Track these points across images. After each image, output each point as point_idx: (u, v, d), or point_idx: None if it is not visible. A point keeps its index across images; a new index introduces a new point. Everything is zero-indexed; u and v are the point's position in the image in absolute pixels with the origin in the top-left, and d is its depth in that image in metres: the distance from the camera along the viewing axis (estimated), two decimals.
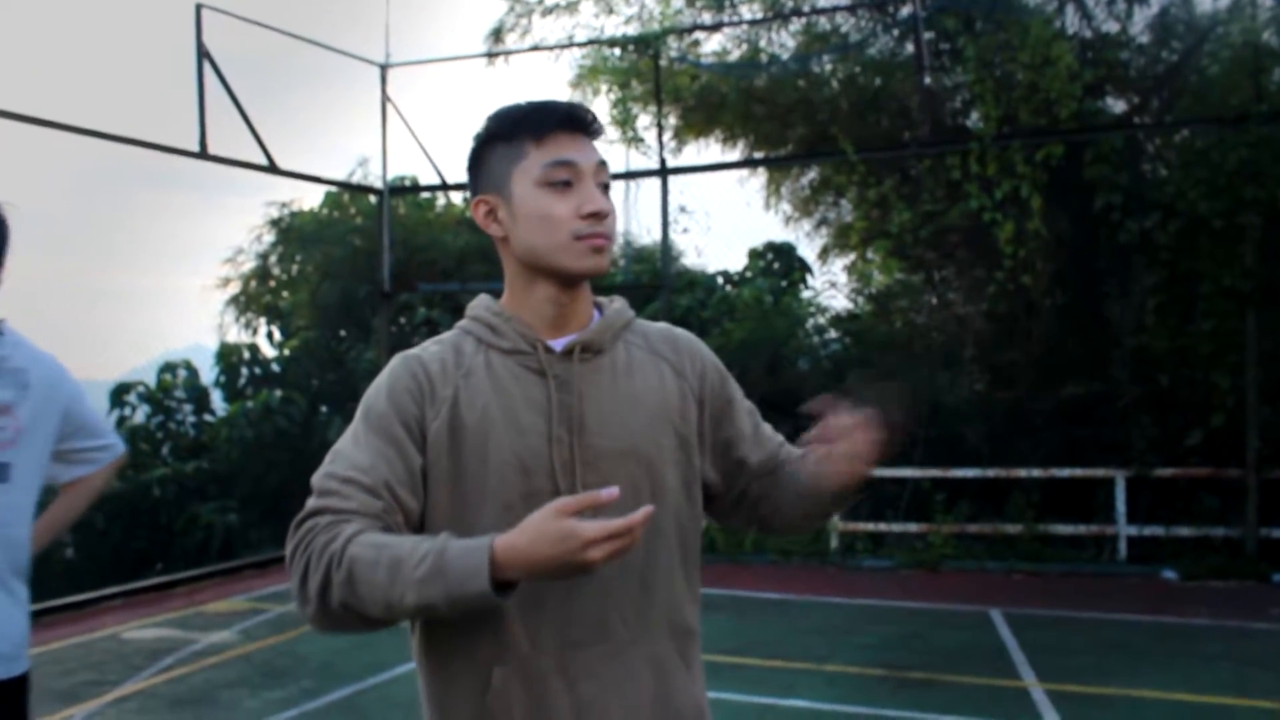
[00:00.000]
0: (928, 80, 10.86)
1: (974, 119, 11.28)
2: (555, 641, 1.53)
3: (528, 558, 1.34)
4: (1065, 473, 10.25)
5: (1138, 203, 10.16)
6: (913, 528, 10.53)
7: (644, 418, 1.61)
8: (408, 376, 1.58)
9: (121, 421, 14.01)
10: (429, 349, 1.63)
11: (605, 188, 1.60)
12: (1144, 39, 11.42)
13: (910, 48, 11.23)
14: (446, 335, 1.67)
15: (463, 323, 1.67)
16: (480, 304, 1.67)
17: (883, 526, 10.73)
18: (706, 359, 1.74)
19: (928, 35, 10.83)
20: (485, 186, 1.62)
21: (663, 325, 1.76)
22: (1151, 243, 10.06)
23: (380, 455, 1.53)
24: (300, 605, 1.49)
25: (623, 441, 1.58)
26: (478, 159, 1.64)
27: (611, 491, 1.37)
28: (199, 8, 9.33)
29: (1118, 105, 11.73)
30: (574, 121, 1.59)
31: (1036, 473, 10.30)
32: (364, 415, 1.59)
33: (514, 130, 1.59)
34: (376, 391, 1.60)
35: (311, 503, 1.51)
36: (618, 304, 1.72)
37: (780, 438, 1.83)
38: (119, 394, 14.18)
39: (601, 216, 1.55)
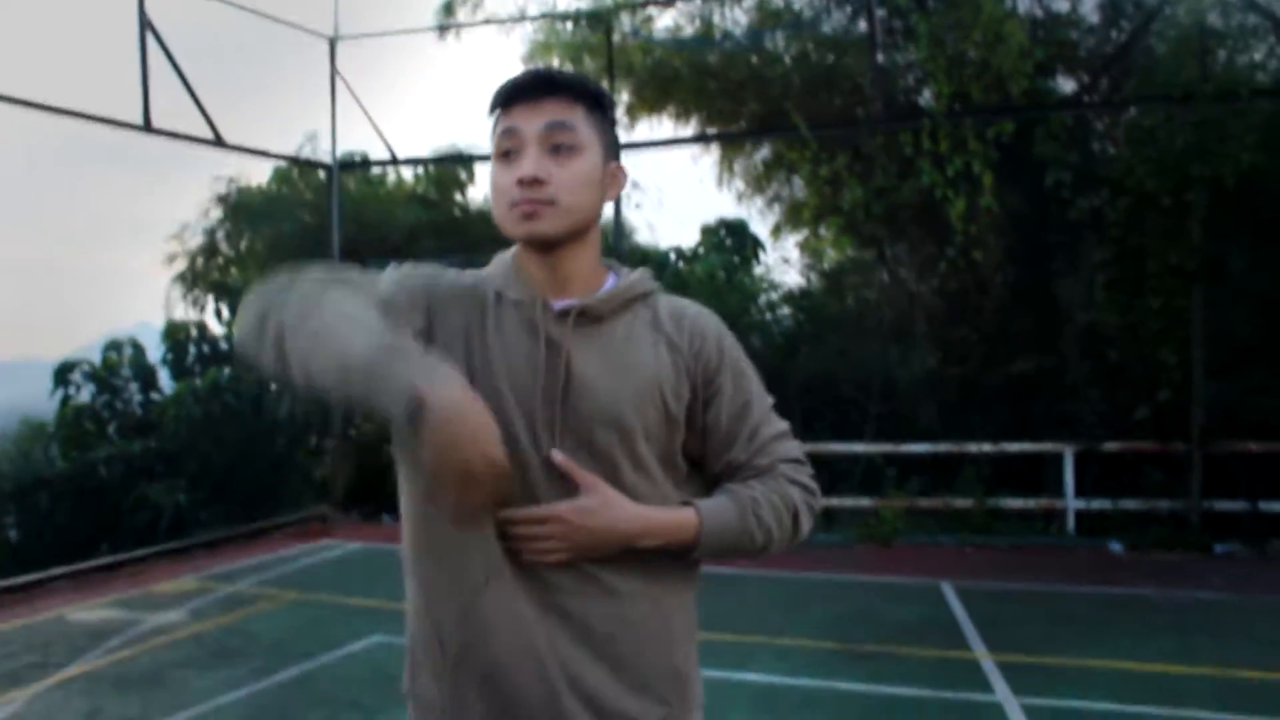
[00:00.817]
0: (880, 58, 10.88)
1: (926, 96, 11.32)
2: (532, 570, 1.56)
3: (451, 429, 1.30)
4: (1015, 447, 10.37)
5: (1087, 180, 10.25)
6: (865, 503, 10.60)
7: (630, 389, 1.59)
8: (444, 283, 1.66)
9: (66, 400, 13.76)
10: (466, 274, 1.69)
11: (562, 149, 1.57)
12: (1094, 19, 11.51)
13: (863, 25, 11.26)
14: (471, 274, 1.70)
15: (485, 271, 1.70)
16: (502, 256, 1.71)
17: (834, 501, 10.78)
18: (709, 340, 1.67)
19: (880, 13, 10.85)
20: None
21: (682, 302, 1.73)
22: (1101, 220, 10.16)
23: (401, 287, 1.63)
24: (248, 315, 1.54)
25: (605, 410, 1.58)
26: None
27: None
28: None
29: (1068, 84, 11.83)
30: (527, 88, 1.59)
31: (987, 447, 10.42)
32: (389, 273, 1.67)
33: (489, 107, 1.64)
34: (415, 268, 1.69)
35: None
36: (635, 275, 1.70)
37: (763, 456, 1.66)
38: (63, 373, 13.90)
39: (530, 182, 1.55)
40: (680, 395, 1.63)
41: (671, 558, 1.60)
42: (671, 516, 1.58)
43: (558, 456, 1.54)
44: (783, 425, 1.73)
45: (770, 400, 1.74)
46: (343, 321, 1.41)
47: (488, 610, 1.55)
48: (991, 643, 6.52)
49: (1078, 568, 8.85)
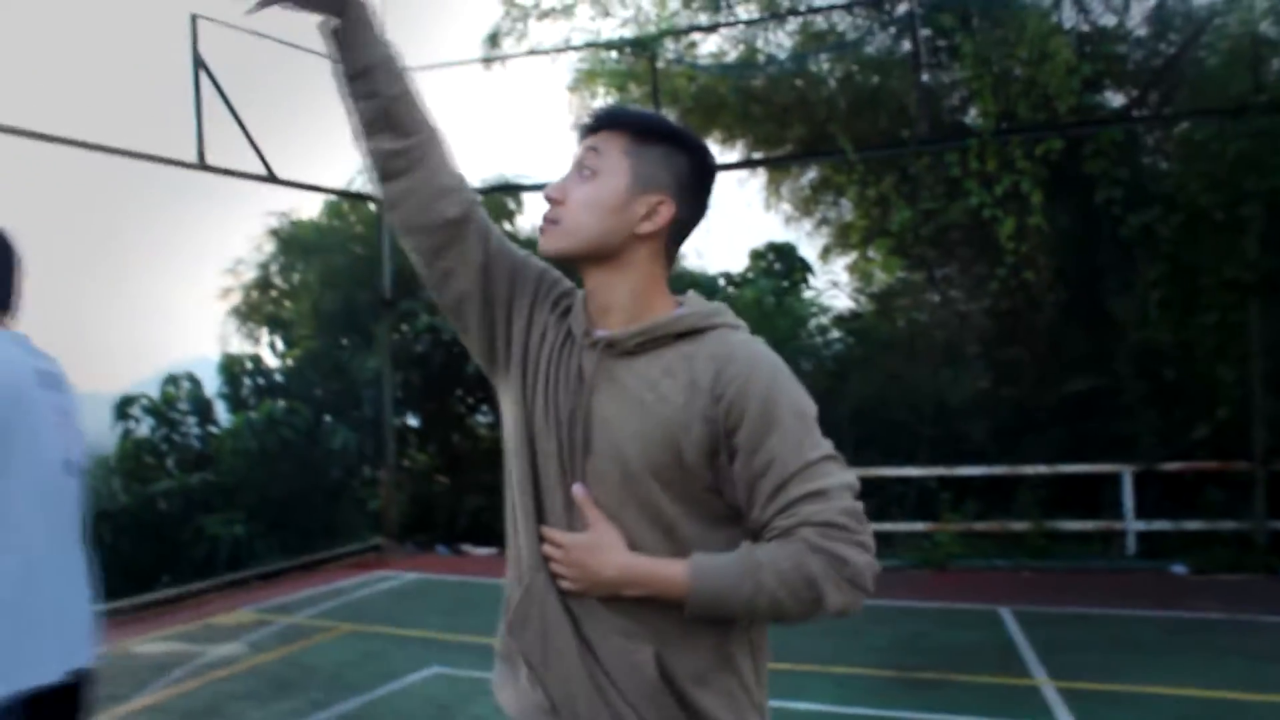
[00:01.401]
0: (925, 77, 10.85)
1: (972, 115, 11.27)
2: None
3: None
4: (1071, 469, 10.22)
5: (1138, 196, 10.13)
6: (919, 526, 10.50)
7: (640, 430, 1.59)
8: (558, 286, 1.79)
9: (126, 434, 14.00)
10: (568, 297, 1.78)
11: (586, 171, 1.65)
12: (1141, 32, 11.41)
13: (907, 45, 11.22)
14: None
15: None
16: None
17: (889, 526, 10.69)
18: (747, 392, 1.56)
19: (924, 32, 10.81)
20: None
21: (737, 347, 1.61)
22: (1153, 236, 10.03)
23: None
24: None
25: (613, 447, 1.60)
26: None
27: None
28: (194, 17, 9.33)
29: (1116, 99, 11.72)
30: (591, 120, 1.70)
31: (1043, 469, 10.27)
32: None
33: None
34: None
35: None
36: (684, 311, 1.67)
37: (786, 518, 1.55)
38: (123, 407, 14.16)
39: (548, 199, 1.67)
40: (700, 443, 1.56)
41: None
42: (659, 571, 1.56)
43: (578, 491, 1.60)
44: (820, 484, 1.54)
45: (815, 455, 1.56)
46: None
47: (532, 596, 1.66)
48: (1052, 668, 6.41)
49: (1139, 591, 8.68)
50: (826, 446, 1.58)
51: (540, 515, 1.66)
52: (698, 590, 1.53)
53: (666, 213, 1.65)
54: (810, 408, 1.60)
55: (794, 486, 1.54)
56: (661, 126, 1.68)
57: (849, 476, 1.58)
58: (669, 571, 1.55)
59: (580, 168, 1.65)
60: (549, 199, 1.65)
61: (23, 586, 2.39)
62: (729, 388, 1.56)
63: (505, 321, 1.74)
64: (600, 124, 1.67)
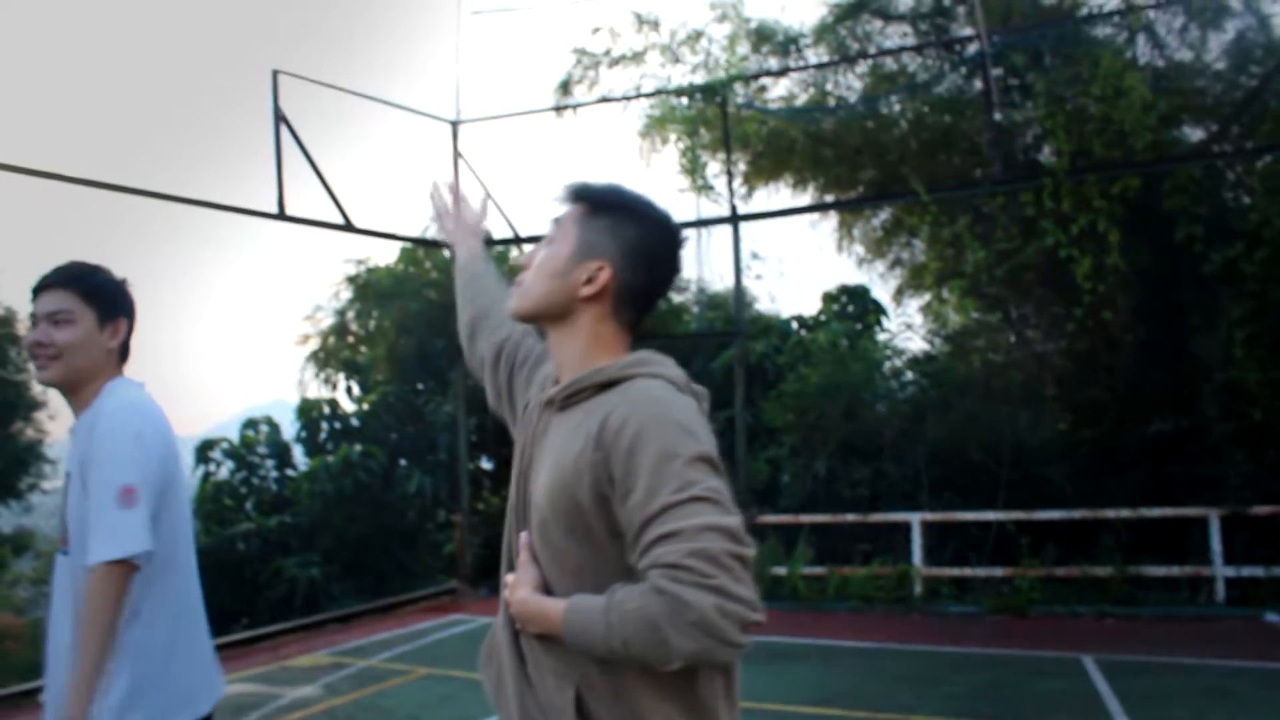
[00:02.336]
0: (998, 116, 10.74)
1: (1046, 154, 11.14)
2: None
3: None
4: (1156, 512, 9.96)
5: (1221, 232, 9.91)
6: (998, 572, 10.28)
7: (552, 480, 1.69)
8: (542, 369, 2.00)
9: (207, 477, 14.30)
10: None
11: (547, 239, 1.83)
12: (1220, 65, 11.20)
13: (978, 84, 11.15)
14: None
15: None
16: None
17: (967, 571, 10.50)
18: (621, 437, 1.59)
19: (996, 71, 10.73)
20: None
21: (625, 395, 1.66)
22: (1237, 273, 9.79)
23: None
24: None
25: (536, 496, 1.73)
26: None
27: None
28: (275, 74, 9.59)
29: (1195, 134, 11.50)
30: (559, 198, 1.85)
31: (1125, 513, 10.02)
32: None
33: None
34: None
35: None
36: (602, 365, 1.74)
37: (644, 560, 1.55)
38: (204, 450, 14.49)
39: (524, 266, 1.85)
40: (590, 491, 1.62)
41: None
42: (545, 608, 1.66)
43: (522, 537, 1.76)
44: (674, 526, 1.52)
45: (676, 498, 1.53)
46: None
47: (495, 634, 1.86)
48: None
49: (1230, 640, 8.39)
50: (699, 488, 1.55)
51: (510, 563, 1.82)
52: (566, 625, 1.60)
53: (604, 277, 1.76)
54: (687, 449, 1.58)
55: (651, 529, 1.54)
56: (613, 198, 1.81)
57: (718, 518, 1.53)
58: (553, 609, 1.64)
59: (547, 238, 1.83)
60: (520, 268, 1.83)
61: (189, 622, 2.55)
62: (607, 435, 1.61)
63: (510, 408, 2.07)
64: (565, 197, 1.83)
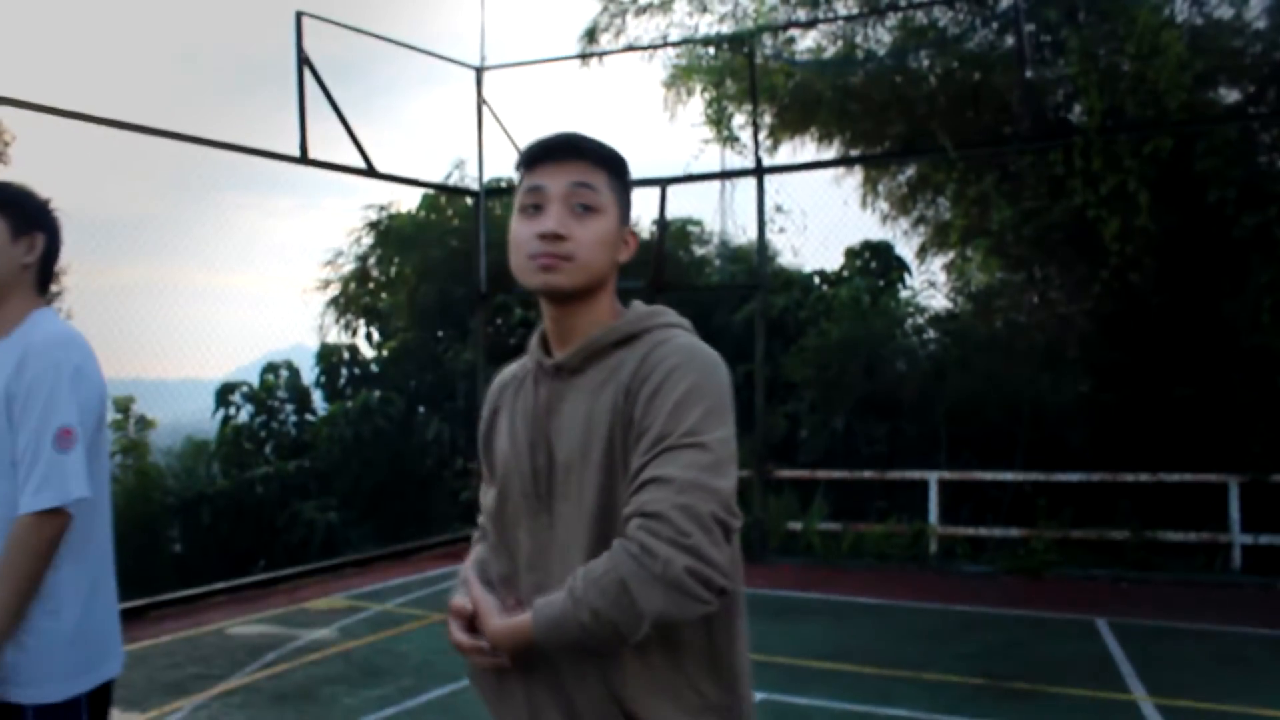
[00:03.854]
0: (1029, 73, 10.56)
1: (1077, 112, 10.96)
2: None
3: None
4: (1175, 477, 9.90)
5: (1254, 196, 9.74)
6: (1014, 533, 10.27)
7: (583, 442, 1.64)
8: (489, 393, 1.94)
9: (227, 420, 14.38)
10: (508, 367, 1.93)
11: (585, 208, 1.68)
12: (1260, 24, 10.95)
13: (1010, 40, 10.95)
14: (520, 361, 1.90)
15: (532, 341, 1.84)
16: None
17: (983, 531, 10.49)
18: (649, 378, 1.58)
19: (1029, 27, 10.53)
20: None
21: (651, 345, 1.64)
22: (1269, 238, 9.64)
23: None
24: None
25: (567, 458, 1.66)
26: None
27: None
28: (299, 15, 9.51)
29: (1231, 95, 11.27)
30: (555, 149, 1.71)
31: (1144, 477, 9.97)
32: None
33: (517, 164, 1.75)
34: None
35: None
36: (617, 322, 1.71)
37: (629, 507, 1.52)
38: (224, 394, 14.54)
39: (552, 237, 1.64)
40: (623, 440, 1.60)
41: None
42: (515, 625, 1.59)
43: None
44: (667, 471, 1.49)
45: (681, 441, 1.51)
46: None
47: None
48: (1151, 684, 6.22)
49: (1245, 607, 8.37)
50: (707, 437, 1.52)
51: (530, 561, 1.71)
52: (536, 623, 1.54)
53: (634, 244, 1.78)
54: (704, 396, 1.55)
55: (648, 468, 1.52)
56: (625, 162, 1.77)
57: (713, 479, 1.50)
58: (521, 619, 1.58)
59: (572, 202, 1.67)
60: (558, 236, 1.64)
61: (104, 583, 2.45)
62: (638, 383, 1.60)
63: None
64: (593, 160, 1.71)
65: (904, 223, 13.66)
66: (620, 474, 1.59)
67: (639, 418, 1.57)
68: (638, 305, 1.76)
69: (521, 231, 1.68)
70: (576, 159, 1.69)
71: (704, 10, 12.43)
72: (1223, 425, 10.01)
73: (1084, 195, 9.87)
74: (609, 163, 1.72)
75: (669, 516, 1.45)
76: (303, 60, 9.58)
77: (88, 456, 2.29)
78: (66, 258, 2.52)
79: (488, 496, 1.84)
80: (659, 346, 1.63)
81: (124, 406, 12.80)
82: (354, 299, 16.44)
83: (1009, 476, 10.60)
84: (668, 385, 1.56)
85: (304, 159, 9.67)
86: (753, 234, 12.22)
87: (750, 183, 11.39)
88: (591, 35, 12.74)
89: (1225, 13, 10.93)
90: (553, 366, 1.72)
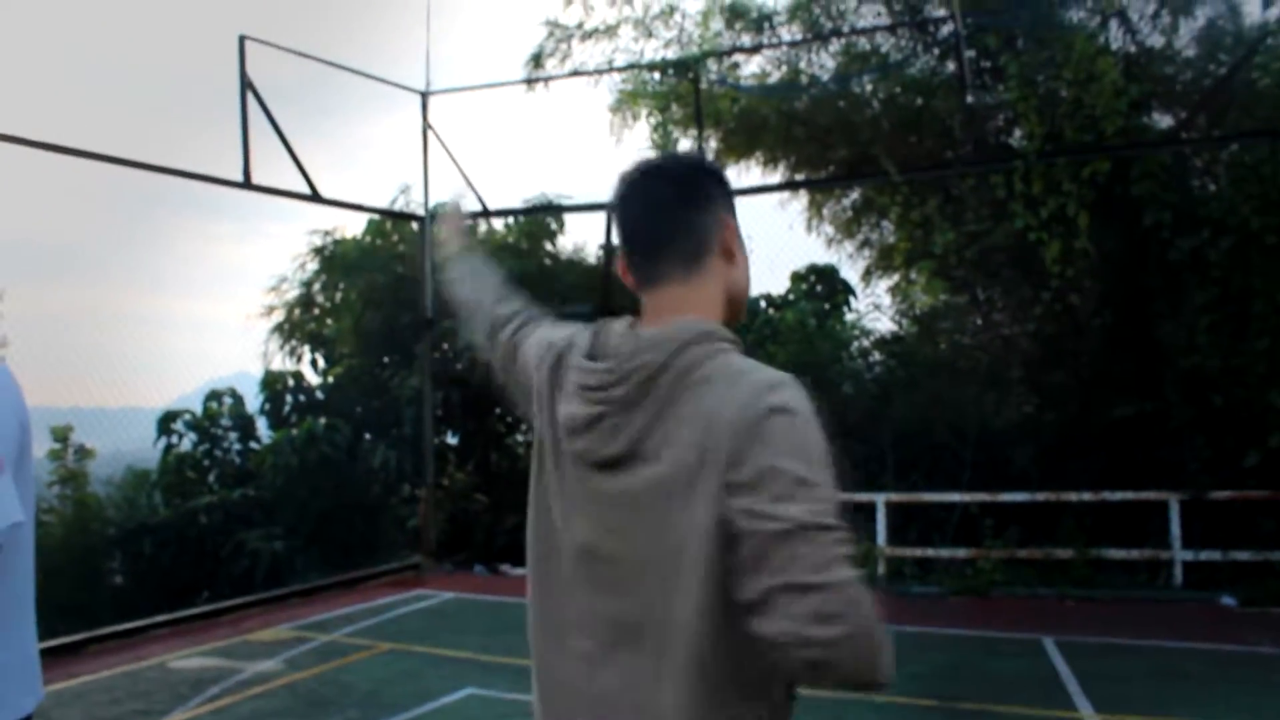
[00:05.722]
0: (970, 99, 10.74)
1: (1018, 137, 11.16)
2: None
3: None
4: (1117, 496, 10.05)
5: (1187, 220, 9.97)
6: (961, 553, 10.36)
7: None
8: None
9: (169, 449, 14.13)
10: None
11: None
12: (1190, 53, 11.23)
13: (951, 66, 11.14)
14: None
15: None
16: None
17: (930, 552, 10.57)
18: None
19: (969, 53, 10.73)
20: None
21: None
22: (1202, 260, 9.87)
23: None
24: None
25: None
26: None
27: None
28: (242, 39, 9.44)
29: (1164, 120, 11.54)
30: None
31: (1087, 496, 10.11)
32: None
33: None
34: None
35: None
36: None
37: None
38: (166, 422, 14.29)
39: None
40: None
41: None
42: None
43: None
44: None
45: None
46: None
47: None
48: (1096, 700, 6.29)
49: (1187, 622, 8.50)
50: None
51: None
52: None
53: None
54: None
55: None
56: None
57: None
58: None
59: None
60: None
61: (22, 617, 2.35)
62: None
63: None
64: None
65: (849, 246, 13.80)
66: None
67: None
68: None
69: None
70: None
71: (649, 35, 12.52)
72: (1162, 444, 10.19)
73: (1025, 218, 10.05)
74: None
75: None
76: (246, 84, 9.50)
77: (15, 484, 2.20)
78: (2, 282, 2.43)
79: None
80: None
81: (62, 435, 12.52)
82: (299, 325, 16.25)
83: (956, 497, 10.70)
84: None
85: (247, 184, 9.57)
86: None
87: None
88: (537, 60, 12.77)
89: (1157, 41, 11.22)
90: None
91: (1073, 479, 10.30)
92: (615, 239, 1.74)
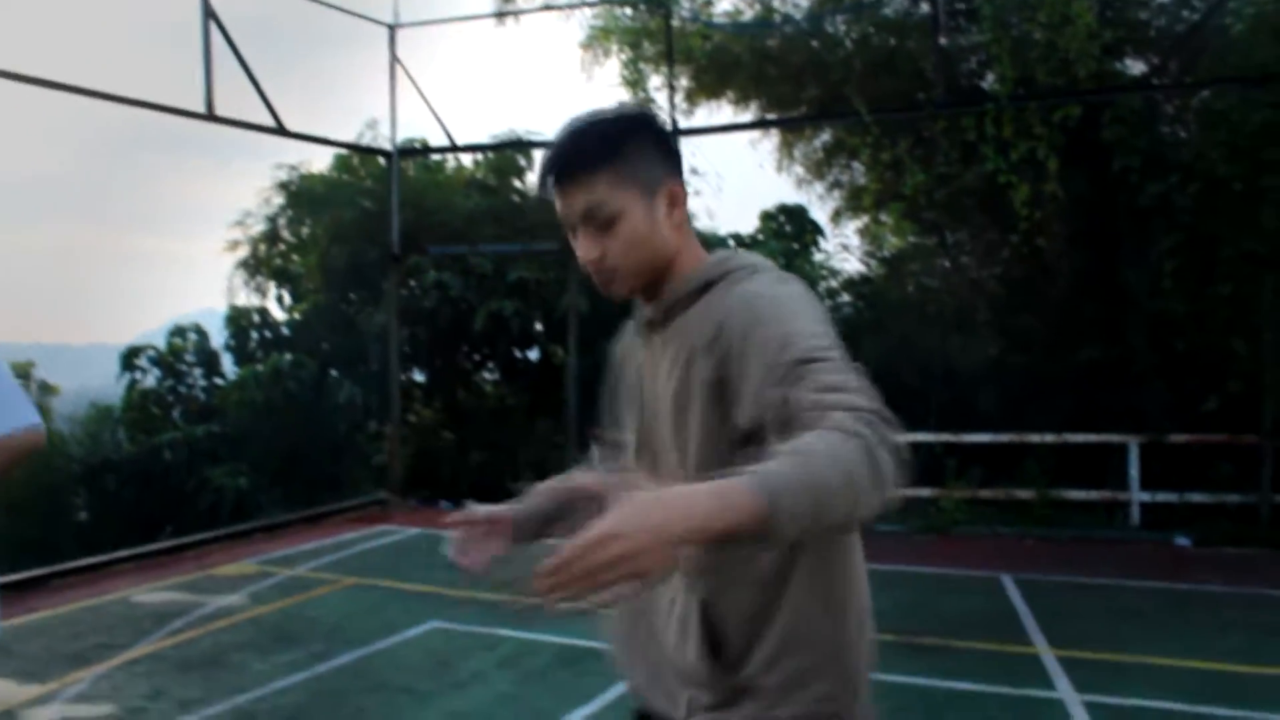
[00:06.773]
0: (943, 40, 10.67)
1: (990, 80, 11.12)
2: None
3: None
4: (1079, 438, 10.17)
5: (1156, 165, 10.00)
6: (924, 492, 10.46)
7: (668, 395, 1.64)
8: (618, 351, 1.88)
9: (133, 385, 14.03)
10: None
11: (604, 224, 1.61)
12: None
13: (925, 7, 11.05)
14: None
15: None
16: None
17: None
18: (726, 328, 1.52)
19: None
20: None
21: (726, 299, 1.57)
22: (1170, 205, 9.92)
23: None
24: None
25: (655, 418, 1.69)
26: None
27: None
28: None
29: (1137, 66, 11.53)
30: (550, 181, 1.66)
31: (1050, 438, 10.23)
32: None
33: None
34: None
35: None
36: (690, 273, 1.66)
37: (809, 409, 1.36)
38: (130, 357, 14.18)
39: (592, 263, 1.64)
40: (707, 397, 1.55)
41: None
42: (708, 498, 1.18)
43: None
44: (836, 378, 1.41)
45: (828, 360, 1.43)
46: None
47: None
48: (1053, 637, 6.40)
49: (1142, 562, 8.66)
50: (828, 349, 1.48)
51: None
52: (774, 493, 1.20)
53: (680, 194, 1.66)
54: (799, 315, 1.50)
55: (801, 377, 1.41)
56: (626, 130, 1.63)
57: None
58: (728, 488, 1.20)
59: (589, 226, 1.62)
60: (594, 261, 1.64)
61: None
62: (712, 331, 1.55)
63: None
64: (577, 177, 1.61)
65: (819, 186, 13.77)
66: (708, 427, 1.56)
67: (738, 362, 1.49)
68: (716, 254, 1.70)
69: (579, 251, 1.67)
70: (571, 184, 1.61)
71: None
72: (1125, 388, 10.31)
73: (995, 161, 10.03)
74: (601, 159, 1.60)
75: (869, 410, 1.38)
76: (209, 14, 9.30)
77: None
78: None
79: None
80: (724, 299, 1.57)
81: (24, 372, 12.42)
82: (264, 261, 16.10)
83: (920, 437, 10.78)
84: (752, 334, 1.48)
85: (210, 115, 9.40)
86: None
87: None
88: None
89: None
90: (645, 322, 1.72)
91: (1036, 421, 10.41)
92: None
